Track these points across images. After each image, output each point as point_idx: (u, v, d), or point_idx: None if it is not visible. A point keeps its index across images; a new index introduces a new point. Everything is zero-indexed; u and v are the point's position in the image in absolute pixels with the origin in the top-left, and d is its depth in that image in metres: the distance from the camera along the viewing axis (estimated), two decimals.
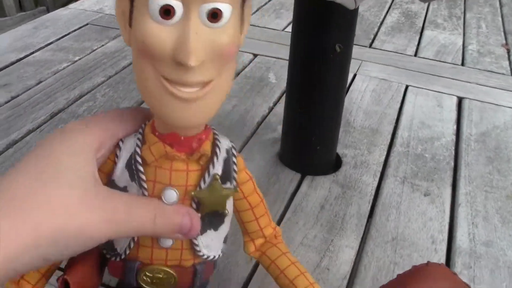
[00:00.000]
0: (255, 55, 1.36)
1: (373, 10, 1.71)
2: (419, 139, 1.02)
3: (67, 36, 1.42)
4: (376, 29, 1.56)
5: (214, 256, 0.54)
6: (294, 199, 0.84)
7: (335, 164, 0.93)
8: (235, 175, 0.51)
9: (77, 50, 1.34)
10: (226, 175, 0.50)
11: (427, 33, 1.56)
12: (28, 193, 0.40)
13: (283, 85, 1.19)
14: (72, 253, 0.43)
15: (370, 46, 1.45)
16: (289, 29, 1.40)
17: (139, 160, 0.47)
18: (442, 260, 0.73)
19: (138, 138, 0.47)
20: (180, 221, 0.47)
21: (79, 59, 1.30)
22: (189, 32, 0.39)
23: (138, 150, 0.47)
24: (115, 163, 0.48)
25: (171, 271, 0.53)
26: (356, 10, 0.76)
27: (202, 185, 0.48)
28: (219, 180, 0.49)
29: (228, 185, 0.50)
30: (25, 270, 0.41)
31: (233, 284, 0.69)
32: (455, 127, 1.07)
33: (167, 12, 0.38)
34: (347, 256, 0.73)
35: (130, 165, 0.47)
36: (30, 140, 0.97)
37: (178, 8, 0.38)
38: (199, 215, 0.49)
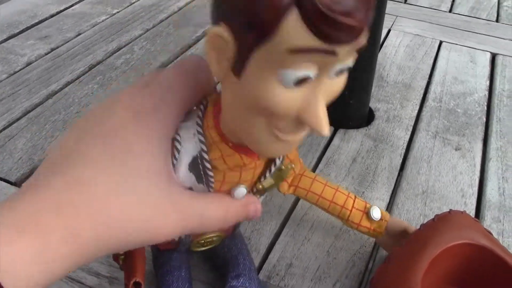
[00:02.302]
0: None
1: None
2: (451, 94, 1.02)
3: None
4: None
5: None
6: (326, 151, 0.86)
7: (368, 118, 0.95)
8: (291, 165, 0.51)
9: (115, 3, 1.36)
10: (281, 165, 0.50)
11: None
12: (105, 197, 0.38)
13: None
14: (137, 247, 0.42)
15: (405, 1, 1.44)
16: None
17: (209, 166, 0.44)
18: (472, 213, 0.75)
19: (201, 141, 0.44)
20: (248, 211, 0.48)
21: (117, 12, 1.31)
22: (319, 97, 0.35)
23: (205, 155, 0.44)
24: (173, 164, 0.44)
25: (220, 233, 0.56)
26: None
27: (267, 175, 0.48)
28: (284, 169, 0.50)
29: (283, 165, 0.50)
30: (93, 259, 0.39)
31: (266, 233, 0.71)
32: (487, 83, 1.08)
33: (302, 81, 0.34)
34: None
35: (197, 169, 0.45)
36: (68, 91, 0.99)
37: (313, 74, 0.34)
38: (260, 198, 0.51)
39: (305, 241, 0.69)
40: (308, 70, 0.33)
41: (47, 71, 1.05)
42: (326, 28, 0.31)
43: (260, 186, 0.49)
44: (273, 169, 0.48)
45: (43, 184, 0.37)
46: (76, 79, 1.03)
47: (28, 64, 1.08)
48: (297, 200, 0.75)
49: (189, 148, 0.44)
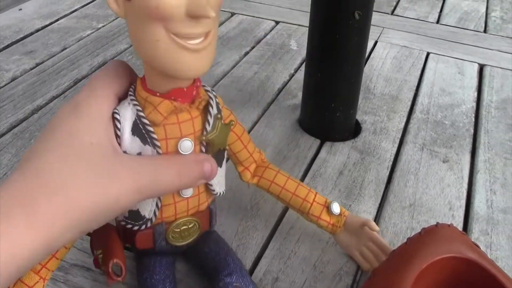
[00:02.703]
0: (277, 22, 1.36)
1: None
2: (439, 106, 1.02)
3: (91, 3, 1.43)
4: None
5: (223, 192, 0.59)
6: (313, 164, 0.85)
7: (355, 130, 0.94)
8: (221, 112, 0.54)
9: (100, 17, 1.35)
10: (220, 114, 0.53)
11: (449, 0, 1.55)
12: (61, 176, 0.41)
13: (304, 52, 1.19)
14: (103, 224, 0.45)
15: (392, 13, 1.44)
16: None
17: (148, 122, 0.49)
18: (460, 226, 0.74)
19: (135, 104, 0.49)
20: (202, 168, 0.50)
21: (103, 26, 1.31)
22: None
23: (142, 114, 0.49)
24: (118, 136, 0.49)
25: (194, 218, 0.58)
26: None
27: (208, 128, 0.52)
28: (221, 119, 0.53)
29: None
30: (65, 244, 0.43)
31: (252, 247, 0.70)
32: (475, 94, 1.07)
33: None
34: None
35: (139, 131, 0.49)
36: (54, 106, 0.98)
37: None
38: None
39: (292, 255, 0.69)
40: None
41: (32, 86, 1.05)
42: None
43: (204, 138, 0.52)
44: (210, 118, 0.52)
45: (4, 182, 0.41)
46: (61, 94, 1.03)
47: (13, 79, 1.07)
48: (283, 214, 0.75)
49: (126, 114, 0.49)
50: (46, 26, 1.30)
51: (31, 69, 1.11)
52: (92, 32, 1.28)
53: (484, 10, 1.49)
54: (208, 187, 0.57)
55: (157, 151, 0.49)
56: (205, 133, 0.52)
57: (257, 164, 0.66)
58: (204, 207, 0.59)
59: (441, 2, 1.53)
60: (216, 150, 0.54)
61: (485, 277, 0.55)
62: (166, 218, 0.56)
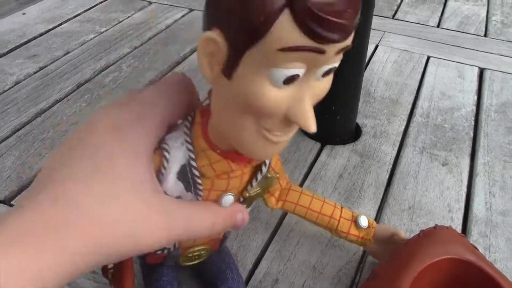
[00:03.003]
0: None
1: None
2: (439, 109, 1.03)
3: (94, 7, 1.44)
4: (399, 1, 1.56)
5: None
6: (313, 167, 0.86)
7: (355, 133, 0.95)
8: (270, 160, 0.52)
9: (103, 21, 1.36)
10: (267, 169, 0.52)
11: (450, 4, 1.55)
12: (98, 214, 0.38)
13: None
14: (126, 257, 0.42)
15: (393, 17, 1.45)
16: None
17: (197, 173, 0.45)
18: (459, 229, 0.75)
19: (189, 149, 0.45)
20: (235, 220, 0.49)
21: (106, 30, 1.32)
22: (306, 96, 0.37)
23: (193, 163, 0.45)
24: (161, 173, 0.45)
25: (208, 246, 0.57)
26: None
27: (254, 183, 0.50)
28: (271, 177, 0.52)
29: (268, 173, 0.52)
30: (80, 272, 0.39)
31: (252, 249, 0.71)
32: (475, 97, 1.08)
33: (291, 79, 0.35)
34: None
35: (185, 177, 0.46)
36: (57, 109, 0.99)
37: (302, 73, 0.35)
38: (248, 209, 0.53)
39: (291, 257, 0.69)
40: (297, 69, 0.34)
41: (35, 90, 1.05)
42: (318, 28, 0.32)
43: (247, 194, 0.50)
44: (259, 176, 0.50)
45: (29, 203, 0.37)
46: (64, 97, 1.03)
47: (17, 83, 1.08)
48: (283, 217, 0.75)
49: (177, 156, 0.45)
50: (50, 30, 1.31)
51: (35, 73, 1.12)
52: (95, 36, 1.28)
53: (484, 14, 1.50)
54: None
55: (197, 199, 0.47)
56: (249, 187, 0.50)
57: (282, 188, 0.63)
58: (221, 235, 0.59)
59: (442, 6, 1.54)
60: (253, 202, 0.53)
61: (483, 279, 0.56)
62: (183, 246, 0.56)
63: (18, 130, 0.94)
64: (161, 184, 0.45)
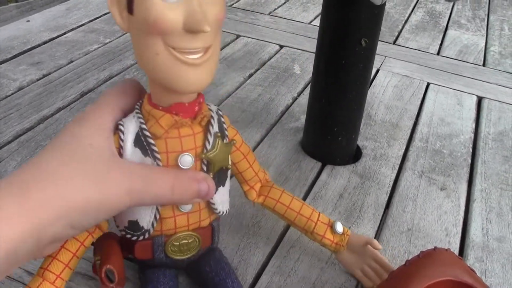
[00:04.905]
0: (281, 46, 1.38)
1: (398, 8, 1.72)
2: (438, 135, 1.04)
3: (99, 18, 1.45)
4: (400, 27, 1.58)
5: (226, 211, 0.61)
6: (314, 186, 0.86)
7: (355, 155, 0.96)
8: (226, 132, 0.57)
9: (108, 32, 1.37)
10: (221, 133, 0.55)
11: (450, 32, 1.57)
12: (57, 170, 0.44)
13: (307, 76, 1.21)
14: (95, 223, 0.47)
15: (394, 43, 1.47)
16: (315, 22, 1.43)
17: (149, 134, 0.51)
18: (456, 253, 0.75)
19: (139, 117, 0.51)
20: (197, 187, 0.51)
21: (110, 41, 1.33)
22: (196, 5, 0.44)
23: (144, 126, 0.51)
24: (121, 147, 0.51)
25: (195, 233, 0.59)
26: (382, 6, 0.78)
27: (208, 146, 0.53)
28: (221, 138, 0.55)
29: (225, 141, 0.56)
30: (55, 237, 0.44)
31: (253, 264, 0.72)
32: (473, 125, 1.09)
33: None
34: None
35: (140, 143, 0.51)
36: (59, 117, 1.00)
37: None
38: (211, 176, 0.55)
39: (292, 273, 0.70)
40: None
41: (38, 97, 1.06)
42: None
43: (203, 156, 0.53)
44: (210, 137, 0.53)
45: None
46: (67, 105, 1.04)
47: (20, 88, 1.09)
48: (284, 232, 0.76)
49: (130, 126, 0.51)
50: (54, 38, 1.32)
51: (38, 79, 1.13)
52: (99, 47, 1.29)
53: (483, 44, 1.51)
54: (210, 205, 0.58)
55: (157, 163, 0.51)
56: (205, 151, 0.53)
57: (262, 184, 0.67)
58: (206, 223, 0.60)
59: (442, 34, 1.56)
60: (217, 169, 0.55)
61: None
62: (166, 231, 0.57)
63: (20, 135, 0.94)
64: (122, 156, 0.51)
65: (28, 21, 1.40)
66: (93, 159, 0.46)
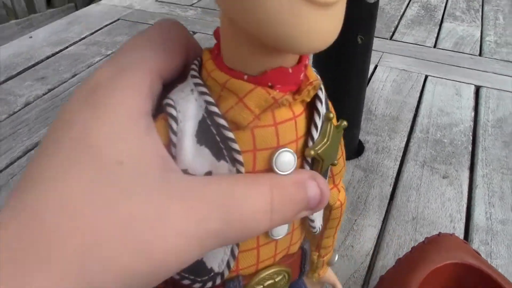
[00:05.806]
0: None
1: (393, 4, 1.73)
2: (438, 125, 1.06)
3: (100, 31, 1.47)
4: (396, 22, 1.59)
5: (321, 226, 0.40)
6: None
7: (358, 149, 0.98)
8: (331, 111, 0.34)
9: (109, 44, 1.39)
10: (328, 113, 0.33)
11: (446, 25, 1.59)
12: (68, 225, 0.24)
13: None
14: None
15: (391, 38, 1.48)
16: None
17: (225, 123, 0.29)
18: (461, 237, 0.77)
19: (202, 92, 0.30)
20: (305, 194, 0.31)
21: (112, 53, 1.34)
22: None
23: (214, 109, 0.29)
24: (172, 144, 0.29)
25: (283, 268, 0.37)
26: (376, 3, 0.80)
27: (315, 134, 0.32)
28: (333, 121, 0.33)
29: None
30: None
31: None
32: (472, 114, 1.11)
33: None
34: (370, 235, 0.78)
35: (209, 137, 0.29)
36: None
37: None
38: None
39: None
40: None
41: (45, 111, 1.08)
42: None
43: (312, 152, 0.32)
44: (318, 120, 0.32)
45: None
46: None
47: (27, 104, 1.11)
48: None
49: (188, 109, 0.30)
50: (56, 53, 1.34)
51: (44, 94, 1.14)
52: (101, 59, 1.31)
53: (479, 34, 1.53)
54: (307, 221, 0.37)
55: (237, 170, 0.30)
56: (310, 143, 0.32)
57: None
58: (295, 248, 0.38)
59: (438, 27, 1.57)
60: (326, 168, 0.34)
61: (487, 282, 0.58)
62: (244, 270, 0.35)
63: (30, 150, 0.96)
64: (177, 160, 0.30)
65: (31, 37, 1.42)
66: (128, 193, 0.25)
